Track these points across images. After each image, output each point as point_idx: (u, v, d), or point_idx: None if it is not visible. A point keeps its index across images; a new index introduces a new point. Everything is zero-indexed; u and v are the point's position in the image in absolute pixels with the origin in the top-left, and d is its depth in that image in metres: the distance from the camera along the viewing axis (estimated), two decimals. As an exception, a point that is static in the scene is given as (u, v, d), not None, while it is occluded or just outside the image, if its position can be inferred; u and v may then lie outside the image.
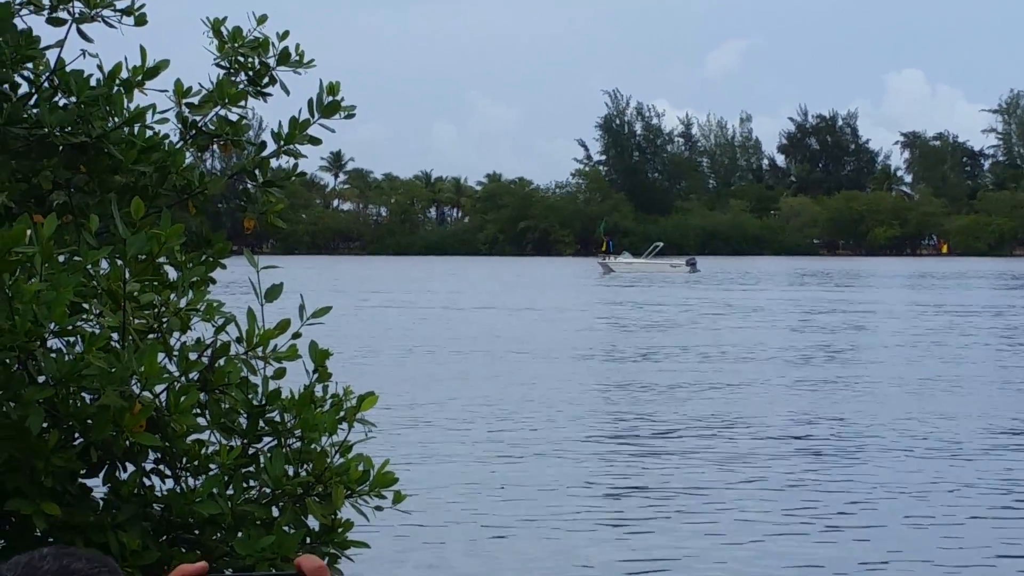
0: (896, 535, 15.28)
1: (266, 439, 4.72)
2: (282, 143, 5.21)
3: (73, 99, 4.84)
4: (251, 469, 4.65)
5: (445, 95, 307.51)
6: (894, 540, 15.04)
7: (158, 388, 4.37)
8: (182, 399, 4.38)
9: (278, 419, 4.68)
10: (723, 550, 14.55)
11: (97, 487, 4.60)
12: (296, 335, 4.69)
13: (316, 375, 4.72)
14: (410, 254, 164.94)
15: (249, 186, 5.34)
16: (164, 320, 4.64)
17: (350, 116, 5.18)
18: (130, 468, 4.55)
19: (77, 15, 4.92)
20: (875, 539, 15.08)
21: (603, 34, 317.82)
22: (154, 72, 5.00)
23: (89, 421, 4.28)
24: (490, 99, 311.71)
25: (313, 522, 4.70)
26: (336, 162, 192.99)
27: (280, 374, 4.73)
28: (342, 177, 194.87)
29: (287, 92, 5.28)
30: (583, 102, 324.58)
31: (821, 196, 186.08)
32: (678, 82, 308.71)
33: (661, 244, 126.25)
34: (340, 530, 4.71)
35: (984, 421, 24.14)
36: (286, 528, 4.55)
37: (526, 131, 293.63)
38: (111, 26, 4.96)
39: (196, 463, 4.60)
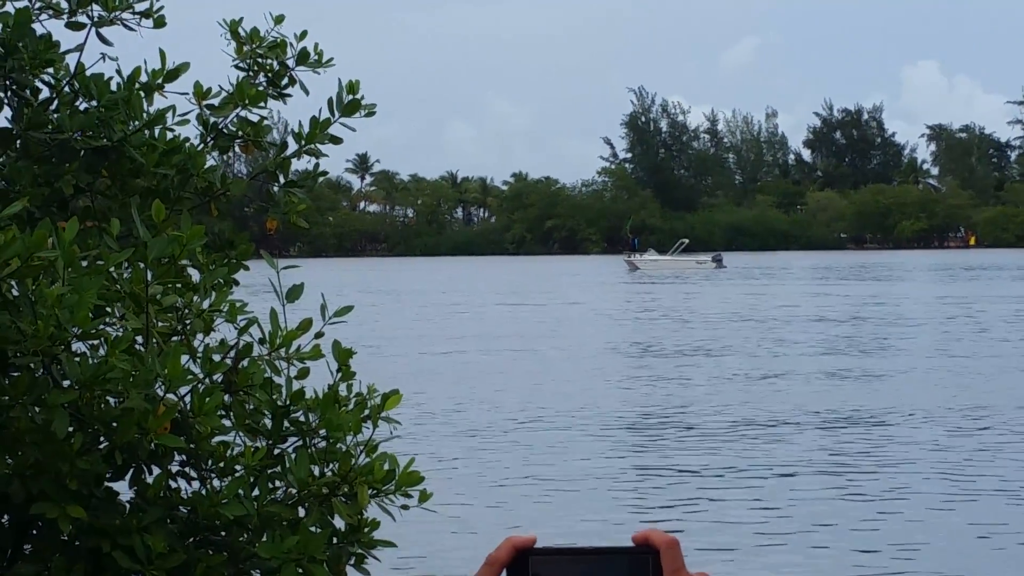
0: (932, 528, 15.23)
1: (291, 439, 4.71)
2: (303, 143, 5.20)
3: (94, 103, 4.84)
4: (276, 470, 4.64)
5: (463, 94, 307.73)
6: (930, 534, 14.99)
7: (182, 390, 4.36)
8: (206, 401, 4.38)
9: (303, 419, 4.67)
10: (763, 543, 14.52)
11: (123, 490, 4.61)
12: (319, 335, 4.68)
13: (340, 374, 4.71)
14: (437, 255, 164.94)
15: (272, 188, 5.34)
16: (187, 322, 4.64)
17: (371, 114, 5.16)
18: (155, 471, 4.55)
19: (96, 19, 4.92)
20: (912, 530, 15.04)
21: (619, 32, 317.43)
22: (174, 75, 4.99)
23: (114, 424, 4.27)
24: (507, 97, 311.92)
25: (340, 522, 4.69)
26: (362, 164, 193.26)
27: (304, 374, 4.71)
28: (368, 179, 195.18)
29: (306, 92, 5.27)
30: (602, 100, 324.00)
31: (847, 190, 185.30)
32: (695, 79, 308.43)
33: (687, 241, 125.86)
34: (367, 530, 4.69)
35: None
36: (312, 529, 4.54)
37: (544, 129, 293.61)
38: (130, 29, 4.96)
39: (221, 465, 4.60)
